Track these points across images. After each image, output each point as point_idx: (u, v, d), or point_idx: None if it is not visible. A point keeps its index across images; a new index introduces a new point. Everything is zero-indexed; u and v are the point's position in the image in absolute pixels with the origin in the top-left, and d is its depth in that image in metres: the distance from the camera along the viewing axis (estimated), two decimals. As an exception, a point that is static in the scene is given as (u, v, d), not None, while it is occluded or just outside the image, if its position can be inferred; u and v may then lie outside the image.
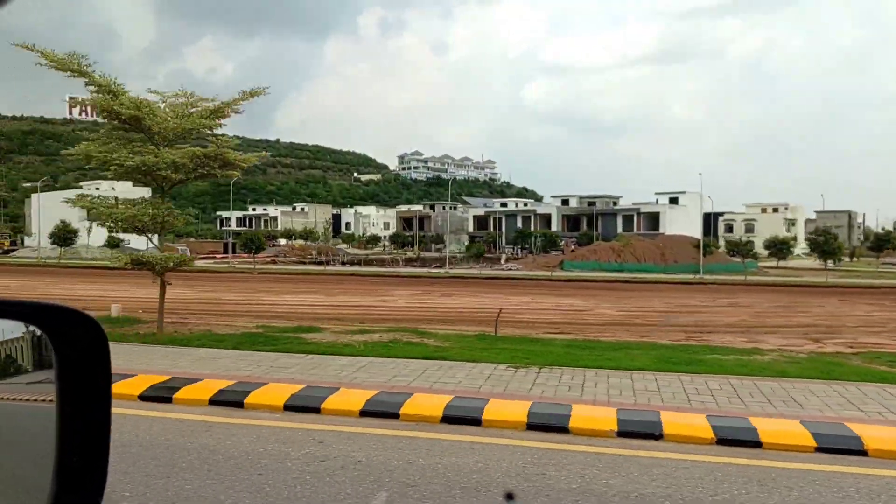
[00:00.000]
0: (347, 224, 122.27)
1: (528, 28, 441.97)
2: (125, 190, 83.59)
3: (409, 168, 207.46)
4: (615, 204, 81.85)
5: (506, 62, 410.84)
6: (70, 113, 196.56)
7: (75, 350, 1.19)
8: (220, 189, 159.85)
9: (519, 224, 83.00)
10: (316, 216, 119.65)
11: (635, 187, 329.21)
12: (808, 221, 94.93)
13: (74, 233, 54.16)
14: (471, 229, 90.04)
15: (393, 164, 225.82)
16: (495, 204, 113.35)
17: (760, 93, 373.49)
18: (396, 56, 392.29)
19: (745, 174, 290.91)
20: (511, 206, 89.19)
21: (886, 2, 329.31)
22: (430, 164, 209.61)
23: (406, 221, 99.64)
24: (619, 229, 73.89)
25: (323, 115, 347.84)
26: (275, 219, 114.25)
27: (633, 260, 47.39)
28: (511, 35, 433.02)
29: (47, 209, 78.86)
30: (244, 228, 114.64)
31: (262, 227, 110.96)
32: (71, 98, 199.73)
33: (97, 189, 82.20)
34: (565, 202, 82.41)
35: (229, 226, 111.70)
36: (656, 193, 75.49)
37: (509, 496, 4.95)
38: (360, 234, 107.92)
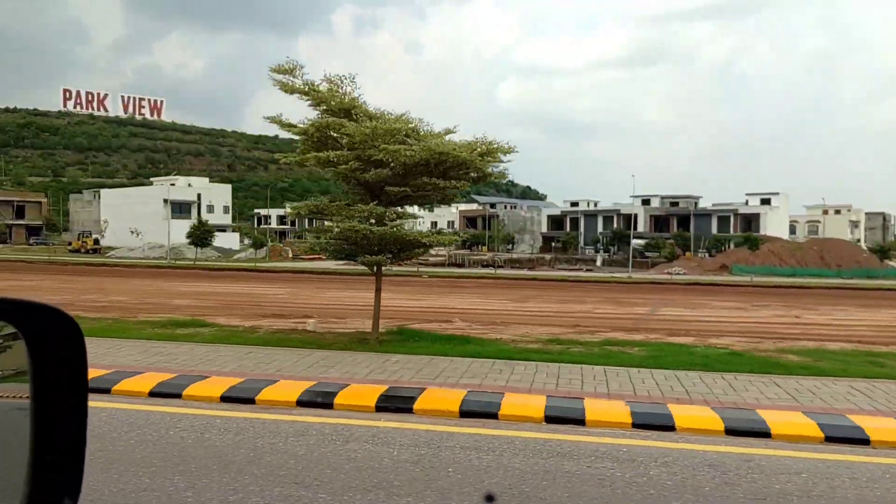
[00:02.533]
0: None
1: (501, 29, 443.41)
2: (203, 186, 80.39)
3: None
4: (696, 205, 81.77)
5: (480, 62, 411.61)
6: (65, 105, 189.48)
7: (50, 347, 1.18)
8: (241, 185, 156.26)
9: (600, 225, 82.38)
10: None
11: (608, 188, 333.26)
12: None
13: (211, 232, 51.25)
14: (544, 229, 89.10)
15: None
16: (522, 204, 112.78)
17: (732, 96, 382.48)
18: (369, 54, 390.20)
19: (716, 174, 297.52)
20: (583, 206, 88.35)
21: (848, 10, 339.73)
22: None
23: (470, 220, 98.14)
24: (714, 231, 73.83)
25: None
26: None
27: (815, 263, 46.97)
28: (485, 35, 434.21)
29: (114, 207, 75.42)
30: (286, 227, 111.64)
31: (308, 225, 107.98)
32: (66, 90, 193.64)
33: (171, 184, 78.83)
34: (646, 202, 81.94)
35: (268, 223, 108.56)
36: (747, 194, 75.60)
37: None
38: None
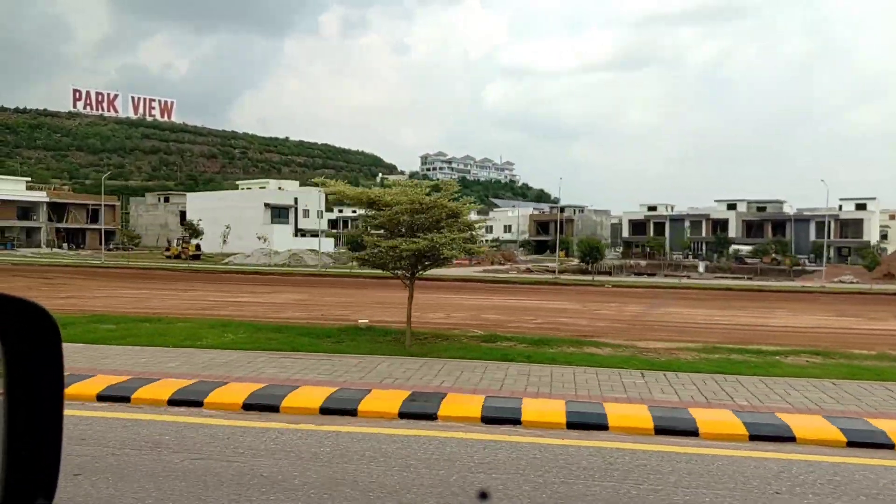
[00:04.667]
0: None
1: (488, 30, 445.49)
2: (296, 191, 78.15)
3: (435, 168, 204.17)
4: (781, 209, 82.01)
5: (466, 63, 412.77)
6: (74, 106, 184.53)
7: (25, 342, 1.15)
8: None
9: (687, 230, 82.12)
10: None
11: (595, 192, 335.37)
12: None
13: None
14: (625, 234, 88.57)
15: (401, 165, 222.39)
16: (589, 208, 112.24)
17: (717, 99, 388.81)
18: (356, 55, 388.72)
19: (701, 178, 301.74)
20: (661, 211, 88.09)
21: (832, 17, 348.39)
22: (454, 165, 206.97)
23: (541, 225, 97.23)
24: (811, 236, 73.95)
25: (280, 113, 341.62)
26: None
27: None
28: (471, 37, 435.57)
29: (205, 211, 72.92)
30: (332, 230, 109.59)
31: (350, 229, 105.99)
32: (75, 90, 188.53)
33: (258, 188, 76.59)
34: (731, 206, 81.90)
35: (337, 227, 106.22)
36: (841, 199, 75.93)
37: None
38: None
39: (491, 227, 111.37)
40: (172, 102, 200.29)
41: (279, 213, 68.83)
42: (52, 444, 1.13)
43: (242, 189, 77.77)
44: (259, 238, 55.86)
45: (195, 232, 52.31)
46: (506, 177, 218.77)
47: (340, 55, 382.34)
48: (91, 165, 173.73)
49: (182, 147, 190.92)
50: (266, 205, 66.78)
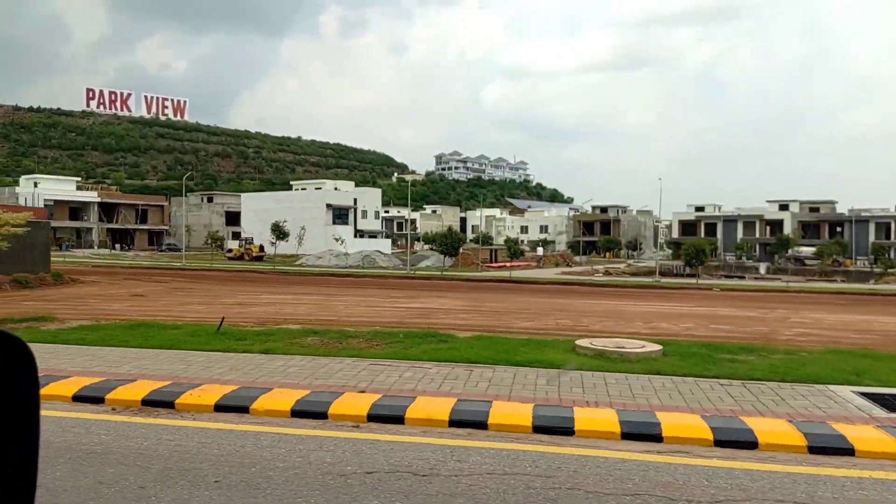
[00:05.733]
0: (474, 227, 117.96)
1: (487, 31, 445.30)
2: (352, 191, 77.18)
3: (450, 168, 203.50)
4: (834, 209, 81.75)
5: (465, 63, 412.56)
6: (88, 105, 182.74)
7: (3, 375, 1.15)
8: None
9: (739, 231, 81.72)
10: (447, 218, 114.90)
11: (592, 192, 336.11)
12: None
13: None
14: (675, 235, 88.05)
15: (413, 165, 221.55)
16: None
17: (713, 99, 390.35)
18: (355, 56, 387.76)
19: (698, 179, 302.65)
20: (710, 211, 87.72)
21: (829, 18, 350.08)
22: (468, 165, 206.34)
23: (587, 226, 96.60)
24: (871, 237, 73.69)
25: (277, 113, 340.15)
26: (413, 221, 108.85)
27: None
28: (470, 37, 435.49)
29: (261, 212, 71.93)
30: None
31: (397, 230, 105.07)
32: (89, 89, 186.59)
33: (307, 188, 75.52)
34: (784, 207, 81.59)
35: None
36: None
37: None
38: (509, 239, 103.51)
39: (527, 227, 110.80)
40: (185, 102, 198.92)
41: (339, 214, 67.91)
42: (26, 470, 1.11)
43: (296, 189, 76.70)
44: (336, 240, 55.01)
45: (281, 233, 51.33)
46: (520, 176, 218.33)
47: (340, 55, 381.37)
48: (107, 164, 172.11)
49: (196, 146, 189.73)
50: (328, 206, 65.84)
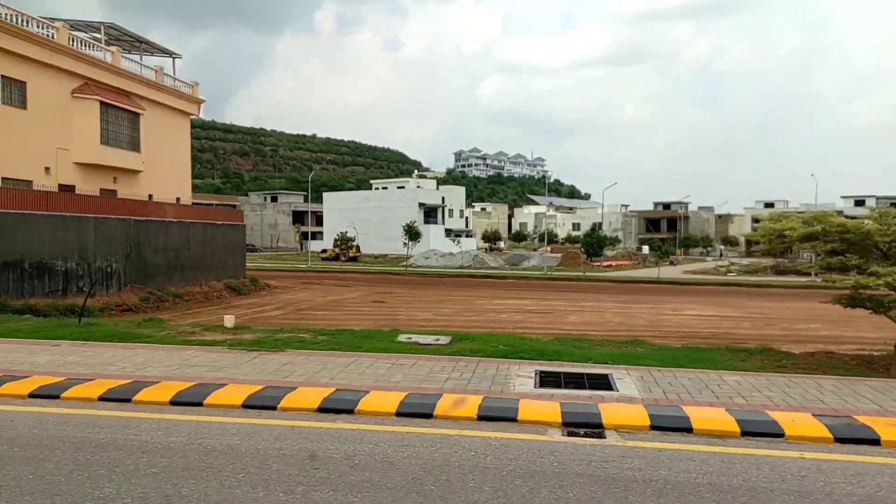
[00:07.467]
0: (522, 225, 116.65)
1: (483, 26, 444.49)
2: (437, 190, 75.33)
3: (470, 165, 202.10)
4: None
5: (461, 59, 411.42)
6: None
7: None
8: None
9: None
10: (498, 216, 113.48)
11: (590, 186, 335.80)
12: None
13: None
14: (748, 229, 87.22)
15: (427, 162, 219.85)
16: (691, 206, 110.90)
17: (712, 94, 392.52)
18: (352, 52, 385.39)
19: (696, 174, 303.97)
20: (780, 207, 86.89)
21: (828, 12, 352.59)
22: (488, 162, 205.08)
23: (652, 223, 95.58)
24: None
25: (275, 111, 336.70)
26: (466, 219, 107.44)
27: None
28: (466, 33, 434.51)
29: (347, 212, 70.14)
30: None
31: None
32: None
33: (388, 187, 73.66)
34: (859, 203, 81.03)
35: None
36: (981, 194, 75.26)
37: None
38: (556, 236, 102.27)
39: (579, 224, 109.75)
40: (202, 100, 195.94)
41: (429, 213, 66.32)
42: None
43: (376, 189, 74.89)
44: (454, 241, 53.47)
45: (413, 233, 49.78)
46: (538, 172, 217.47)
47: (336, 52, 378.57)
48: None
49: (214, 145, 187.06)
50: (420, 204, 64.18)
